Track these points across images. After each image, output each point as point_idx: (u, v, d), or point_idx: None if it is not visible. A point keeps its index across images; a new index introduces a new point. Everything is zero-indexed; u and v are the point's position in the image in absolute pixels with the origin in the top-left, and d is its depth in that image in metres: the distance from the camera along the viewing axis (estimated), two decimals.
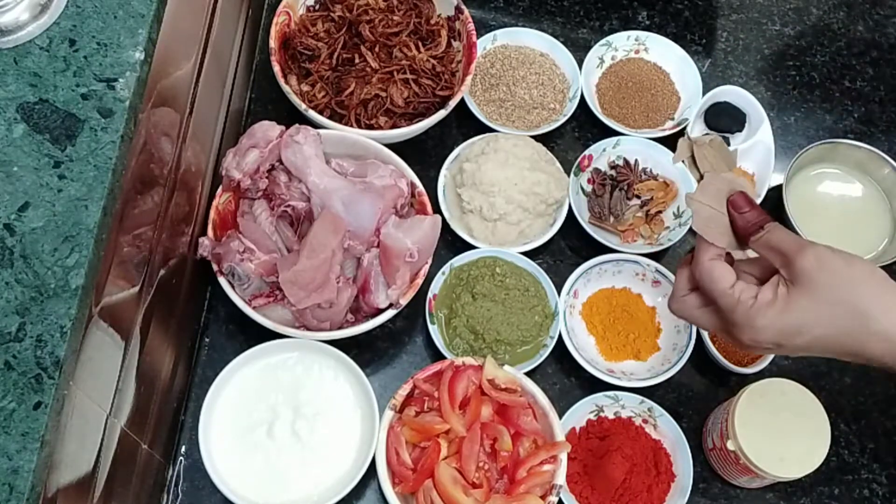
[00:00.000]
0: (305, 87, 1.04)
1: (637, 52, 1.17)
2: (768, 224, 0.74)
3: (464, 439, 0.89)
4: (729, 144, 1.12)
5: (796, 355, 0.93)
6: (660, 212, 1.08)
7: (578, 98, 1.11)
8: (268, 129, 0.95)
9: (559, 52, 1.14)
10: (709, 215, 0.77)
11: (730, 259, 0.77)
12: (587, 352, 1.00)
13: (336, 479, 0.89)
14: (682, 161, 0.84)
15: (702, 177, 0.80)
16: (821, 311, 0.70)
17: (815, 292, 0.70)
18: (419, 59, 1.04)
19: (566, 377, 1.00)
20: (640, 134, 1.11)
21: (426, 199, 0.99)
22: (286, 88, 1.01)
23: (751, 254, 0.77)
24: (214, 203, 0.95)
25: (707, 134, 0.85)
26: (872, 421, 1.02)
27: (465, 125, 1.10)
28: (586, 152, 1.09)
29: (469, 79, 1.04)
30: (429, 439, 0.89)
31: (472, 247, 1.02)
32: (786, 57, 1.22)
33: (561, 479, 0.88)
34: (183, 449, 0.94)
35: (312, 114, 0.99)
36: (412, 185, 0.98)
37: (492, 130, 1.08)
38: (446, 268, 1.00)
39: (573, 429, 0.96)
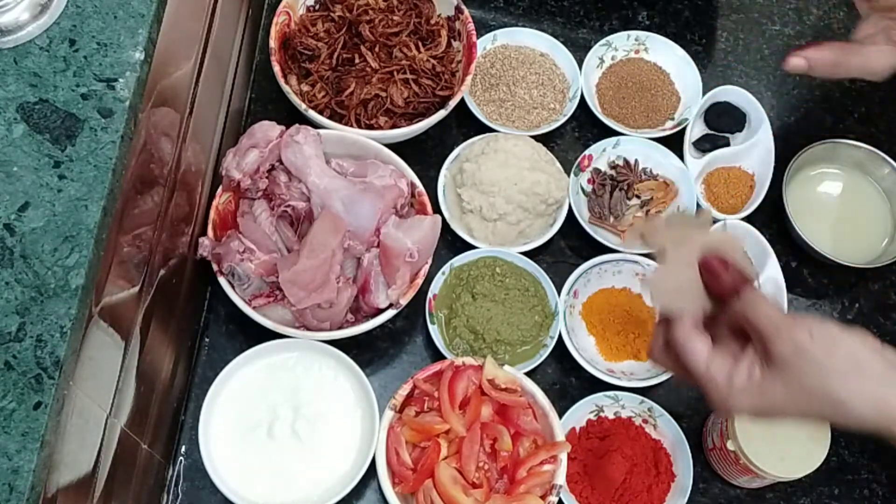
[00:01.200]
0: (305, 87, 1.04)
1: (637, 52, 1.17)
2: (744, 291, 0.71)
3: (464, 439, 0.89)
4: (729, 144, 1.12)
5: None
6: (660, 212, 1.08)
7: (578, 98, 1.11)
8: (268, 129, 0.95)
9: (559, 52, 1.14)
10: (675, 287, 0.74)
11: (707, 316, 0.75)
12: (587, 352, 1.00)
13: (336, 479, 0.89)
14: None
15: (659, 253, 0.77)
16: (796, 397, 0.69)
17: (790, 381, 0.68)
18: (419, 59, 1.04)
19: (566, 377, 1.00)
20: (640, 134, 1.11)
21: (426, 199, 0.99)
22: (286, 88, 1.01)
23: None
24: (214, 203, 0.95)
25: (667, 213, 0.81)
26: None
27: (465, 125, 1.10)
28: (586, 152, 1.09)
29: (469, 79, 1.04)
30: (429, 439, 0.89)
31: (472, 247, 1.02)
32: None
33: (561, 479, 0.88)
34: (183, 449, 0.94)
35: (312, 114, 0.99)
36: (412, 185, 0.98)
37: (492, 130, 1.08)
38: (446, 268, 1.00)
39: (573, 429, 0.96)
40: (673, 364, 0.76)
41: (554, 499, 0.88)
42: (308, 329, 0.92)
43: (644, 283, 0.75)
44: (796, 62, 0.93)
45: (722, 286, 0.72)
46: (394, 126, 1.03)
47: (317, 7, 1.09)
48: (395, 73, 1.03)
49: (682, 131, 1.11)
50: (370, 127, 1.02)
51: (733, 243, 0.76)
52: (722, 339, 0.73)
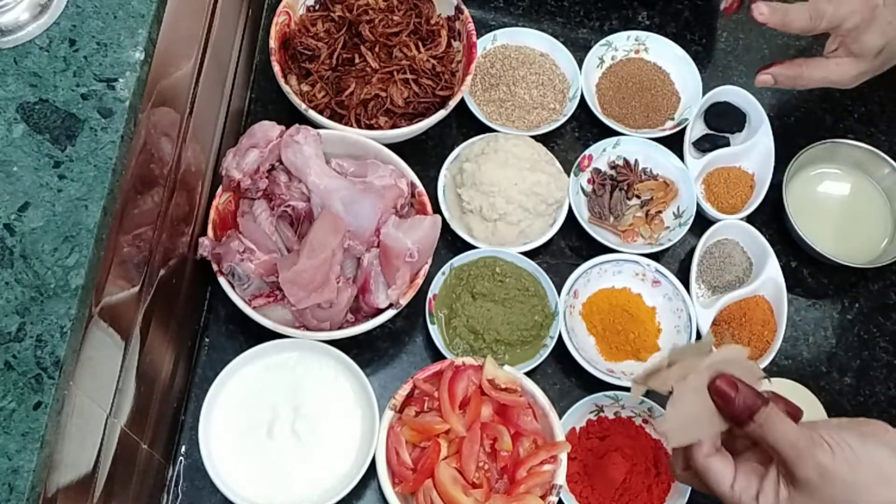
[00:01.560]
0: (305, 87, 1.04)
1: (637, 52, 1.17)
2: (758, 413, 0.71)
3: (464, 439, 0.89)
4: (729, 144, 1.12)
5: None
6: (660, 212, 1.08)
7: (578, 98, 1.11)
8: (268, 129, 0.95)
9: (559, 52, 1.14)
10: (688, 421, 0.73)
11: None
12: (587, 352, 1.00)
13: (336, 479, 0.89)
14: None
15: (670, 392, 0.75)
16: None
17: (818, 501, 0.68)
18: (419, 59, 1.04)
19: (566, 377, 1.00)
20: (640, 134, 1.11)
21: (426, 199, 0.99)
22: (286, 88, 1.01)
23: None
24: (214, 203, 0.95)
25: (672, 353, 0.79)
26: None
27: (465, 125, 1.10)
28: (586, 152, 1.09)
29: (469, 79, 1.04)
30: (429, 439, 0.89)
31: (472, 247, 1.02)
32: (786, 57, 1.21)
33: (561, 479, 0.88)
34: (183, 449, 0.94)
35: (312, 114, 0.99)
36: (412, 185, 0.98)
37: (492, 130, 1.08)
38: (446, 268, 1.00)
39: (573, 429, 0.96)
40: (696, 483, 0.76)
41: (554, 499, 0.88)
42: (308, 329, 0.92)
43: (658, 424, 0.73)
44: (763, 78, 1.02)
45: (735, 411, 0.71)
46: (394, 126, 1.03)
47: (317, 7, 1.09)
48: (395, 73, 1.03)
49: (682, 131, 1.11)
50: (370, 127, 1.02)
51: (738, 355, 0.74)
52: (743, 453, 0.73)
